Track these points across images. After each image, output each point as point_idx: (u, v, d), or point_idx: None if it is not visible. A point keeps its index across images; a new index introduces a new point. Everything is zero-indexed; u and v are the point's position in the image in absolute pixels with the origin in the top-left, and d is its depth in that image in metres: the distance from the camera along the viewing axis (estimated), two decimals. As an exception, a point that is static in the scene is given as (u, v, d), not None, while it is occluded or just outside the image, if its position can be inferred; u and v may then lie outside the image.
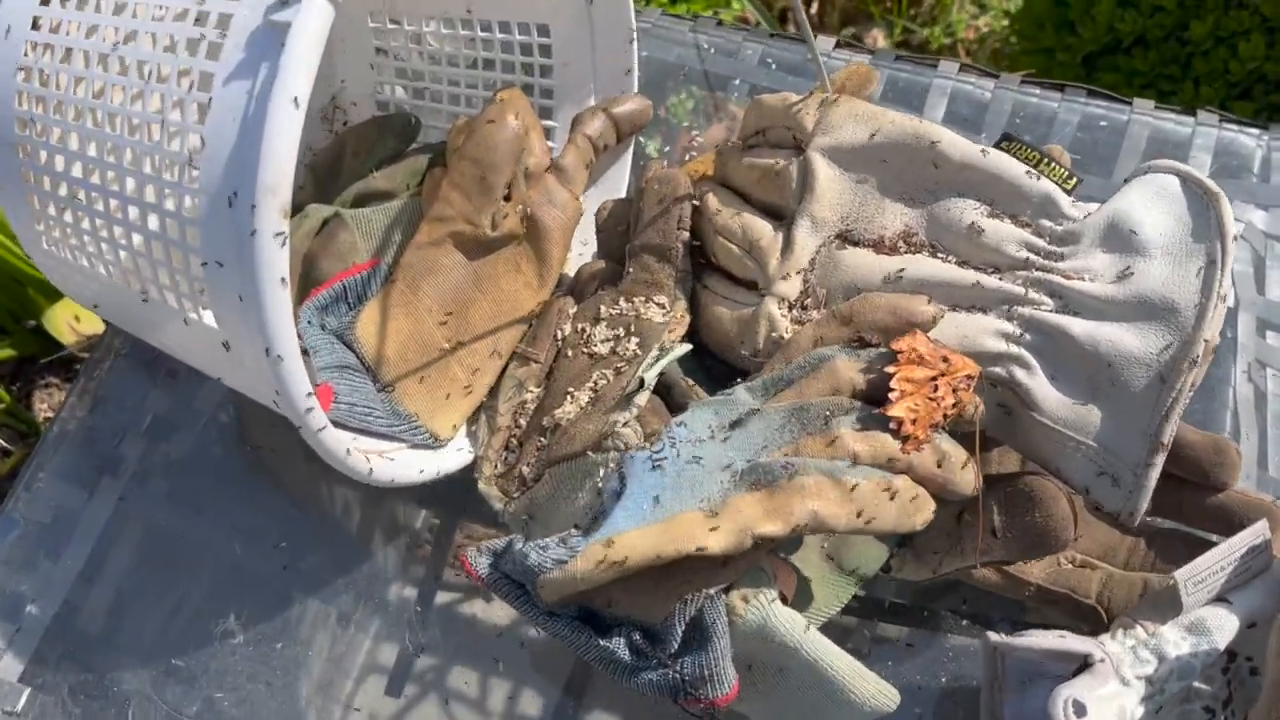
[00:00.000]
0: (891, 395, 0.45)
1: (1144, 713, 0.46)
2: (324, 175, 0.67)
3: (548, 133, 0.67)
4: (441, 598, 0.61)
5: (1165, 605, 0.48)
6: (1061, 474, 0.50)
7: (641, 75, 0.65)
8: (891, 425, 0.45)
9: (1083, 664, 0.47)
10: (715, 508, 0.45)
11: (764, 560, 0.47)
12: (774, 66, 0.75)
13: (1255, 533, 0.47)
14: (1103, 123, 0.71)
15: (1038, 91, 0.73)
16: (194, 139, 0.43)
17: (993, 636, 0.50)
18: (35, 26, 0.48)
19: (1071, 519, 0.49)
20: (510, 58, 0.66)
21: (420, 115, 0.68)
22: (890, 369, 0.46)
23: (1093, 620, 0.54)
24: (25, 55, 0.48)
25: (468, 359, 0.59)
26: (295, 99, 0.39)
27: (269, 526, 0.63)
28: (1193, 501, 0.54)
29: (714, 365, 0.56)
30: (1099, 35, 0.91)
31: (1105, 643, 0.47)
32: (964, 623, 0.58)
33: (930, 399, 0.46)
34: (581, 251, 0.65)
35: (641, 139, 0.73)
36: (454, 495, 0.61)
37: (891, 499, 0.45)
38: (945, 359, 0.46)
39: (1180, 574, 0.46)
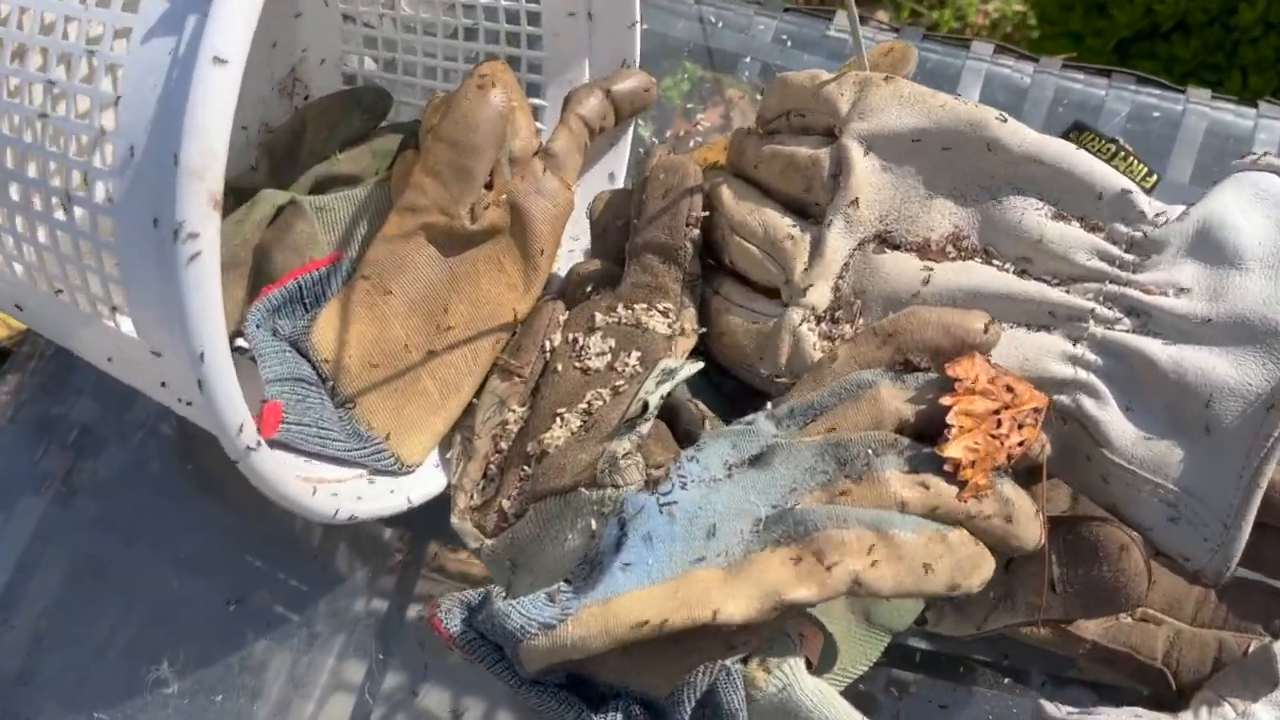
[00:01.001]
0: (949, 432, 0.38)
1: (1234, 808, 0.39)
2: (281, 156, 0.59)
3: (536, 113, 0.59)
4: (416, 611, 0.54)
5: (1258, 678, 0.41)
6: (1133, 521, 0.43)
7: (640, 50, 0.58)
8: (947, 467, 0.38)
9: (1159, 747, 0.40)
10: (735, 565, 0.37)
11: (790, 624, 0.40)
12: (789, 44, 0.67)
13: (1369, 599, 0.40)
14: (1155, 113, 0.64)
15: (1081, 77, 0.65)
16: (106, 112, 0.35)
17: (1047, 708, 0.43)
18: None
19: (1146, 574, 0.42)
20: (494, 26, 0.58)
21: (393, 90, 0.60)
22: (946, 400, 0.38)
23: (1158, 684, 0.47)
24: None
25: (441, 371, 0.51)
26: (218, 58, 0.31)
27: (213, 554, 0.55)
28: (1275, 548, 0.47)
29: (727, 384, 0.49)
30: (1135, 19, 0.84)
31: (1187, 724, 0.40)
32: (1005, 680, 0.51)
33: (993, 436, 0.38)
34: (573, 249, 0.57)
35: (640, 121, 0.65)
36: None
37: (946, 556, 0.37)
38: (1010, 389, 0.39)
39: (1279, 645, 0.39)
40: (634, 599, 0.37)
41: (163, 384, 0.39)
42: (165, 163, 0.32)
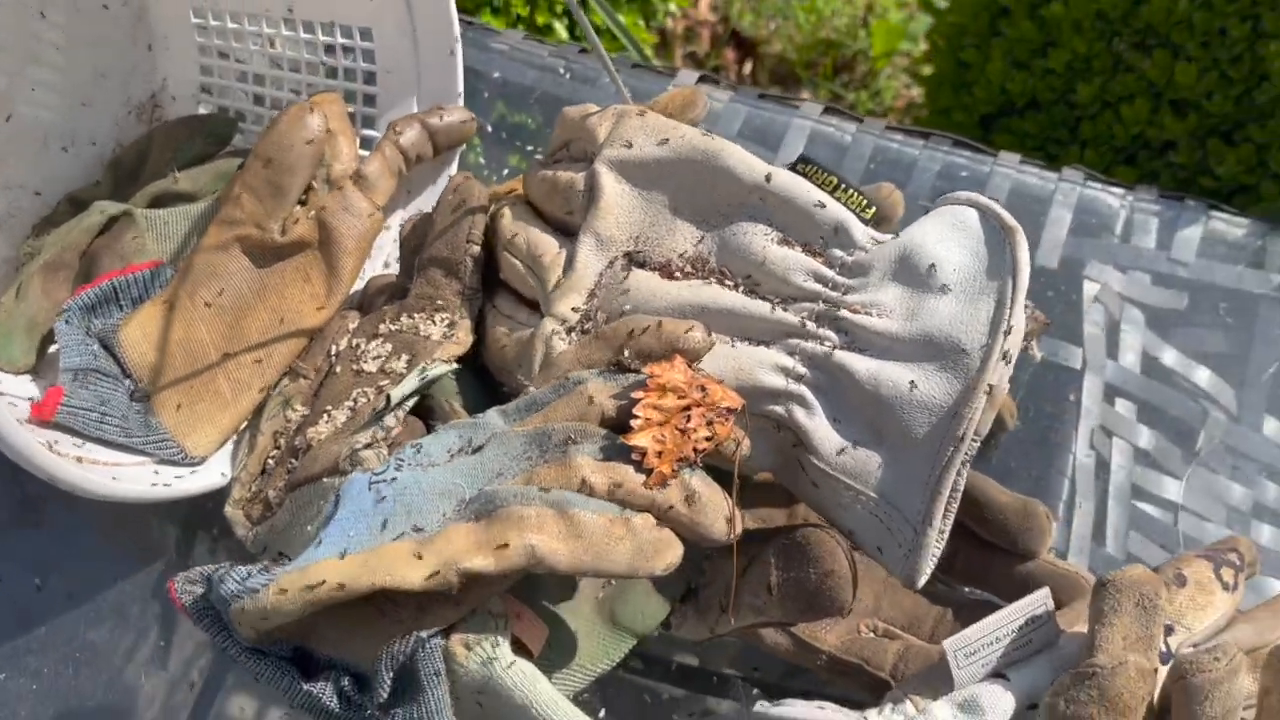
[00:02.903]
0: (635, 423, 0.41)
1: (906, 799, 0.41)
2: (125, 173, 0.62)
3: (366, 143, 0.63)
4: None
5: (937, 678, 0.43)
6: (840, 526, 0.46)
7: (494, 95, 0.62)
8: (635, 456, 0.41)
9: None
10: (427, 538, 0.40)
11: (495, 603, 0.42)
12: (631, 96, 0.71)
13: (1034, 602, 0.42)
14: (964, 173, 0.68)
15: (900, 138, 0.69)
16: None
17: (758, 708, 0.45)
18: None
19: (850, 578, 0.45)
20: (334, 62, 0.62)
21: (253, 122, 0.64)
22: (637, 393, 0.41)
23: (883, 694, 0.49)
24: None
25: (235, 372, 0.54)
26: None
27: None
28: (1001, 570, 0.50)
29: (507, 393, 0.52)
30: (993, 96, 0.89)
31: (870, 716, 0.42)
32: (755, 691, 0.52)
33: (680, 430, 0.41)
34: (385, 272, 0.61)
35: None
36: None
37: (627, 538, 0.40)
38: (703, 388, 0.42)
39: (948, 643, 0.41)
40: (327, 566, 0.39)
41: None
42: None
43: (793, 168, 0.47)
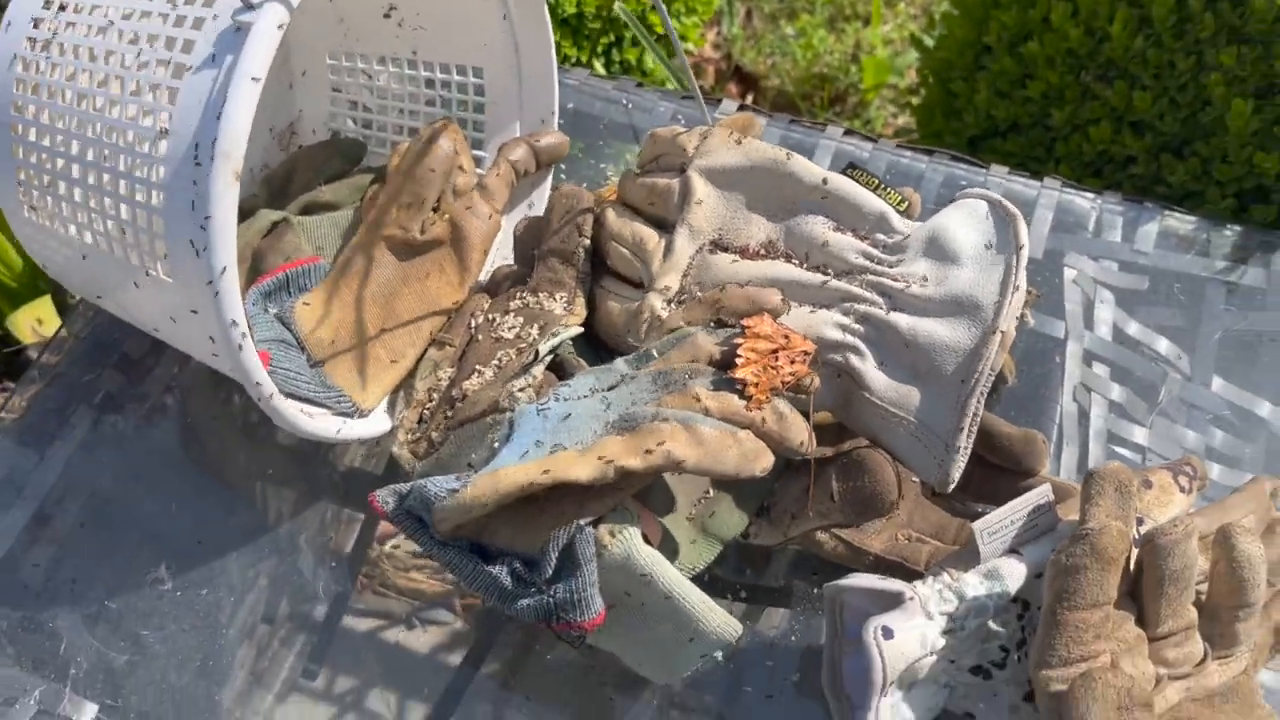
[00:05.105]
0: (738, 361, 0.54)
1: (944, 644, 0.54)
2: (276, 188, 0.75)
3: (477, 161, 0.76)
4: (372, 622, 0.67)
5: (967, 555, 0.56)
6: (889, 447, 0.59)
7: (568, 123, 0.75)
8: (737, 386, 0.54)
9: (897, 604, 0.55)
10: (587, 447, 0.53)
11: (630, 503, 0.55)
12: (683, 121, 0.85)
13: (1040, 494, 0.55)
14: (962, 182, 0.82)
15: (909, 154, 0.84)
16: (166, 118, 0.52)
17: (831, 584, 0.58)
18: (35, 26, 0.57)
19: (895, 484, 0.58)
20: (448, 95, 0.76)
21: (369, 143, 0.78)
22: (737, 340, 0.55)
23: (920, 585, 0.62)
24: (23, 47, 0.57)
25: (391, 343, 0.67)
26: (254, 78, 0.48)
27: (200, 497, 0.69)
28: (1007, 486, 0.63)
29: (608, 356, 0.65)
30: (979, 121, 1.03)
31: (917, 586, 0.55)
32: (814, 590, 0.65)
33: (771, 368, 0.54)
34: (500, 264, 0.74)
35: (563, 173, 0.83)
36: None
37: (735, 446, 0.53)
38: (786, 336, 0.55)
39: (977, 525, 0.55)
40: (512, 469, 0.52)
41: (211, 339, 0.54)
42: (205, 149, 0.49)
43: (843, 172, 0.61)
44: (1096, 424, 0.73)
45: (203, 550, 0.67)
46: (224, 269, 0.50)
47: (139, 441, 0.72)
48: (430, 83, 0.76)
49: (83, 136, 0.55)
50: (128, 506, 0.69)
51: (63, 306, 1.02)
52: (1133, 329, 0.76)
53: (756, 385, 0.54)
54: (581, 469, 0.51)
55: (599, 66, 1.14)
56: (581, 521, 0.53)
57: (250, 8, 0.49)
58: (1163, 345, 0.76)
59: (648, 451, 0.52)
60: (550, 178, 0.76)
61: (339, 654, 0.65)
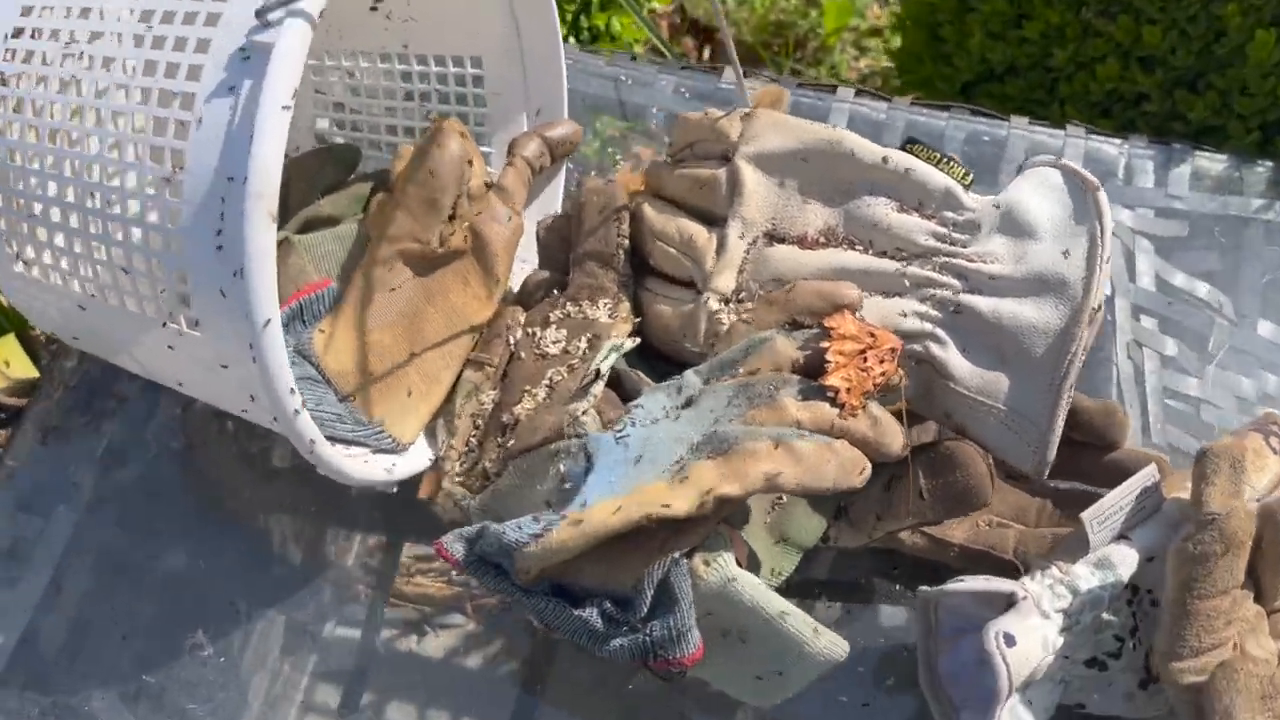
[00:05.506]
0: (828, 367, 0.50)
1: (1062, 642, 0.52)
2: (269, 204, 0.69)
3: (484, 158, 0.71)
4: (385, 633, 0.63)
5: (1076, 546, 0.53)
6: (977, 437, 0.56)
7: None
8: (829, 394, 0.50)
9: (1007, 605, 0.52)
10: (677, 475, 0.49)
11: (720, 526, 0.51)
12: (687, 95, 0.81)
13: (1147, 475, 0.53)
14: (985, 138, 0.79)
15: (926, 111, 0.80)
16: (177, 155, 0.46)
17: (926, 589, 0.55)
18: (9, 54, 0.50)
19: (989, 477, 0.55)
20: (445, 89, 0.70)
21: (362, 147, 0.72)
22: (824, 344, 0.51)
23: (1011, 574, 0.59)
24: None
25: (423, 367, 0.62)
26: (284, 106, 0.42)
27: (219, 550, 0.64)
28: (1090, 461, 0.61)
29: (656, 361, 0.61)
30: (974, 65, 1.00)
31: (1026, 583, 0.53)
32: (897, 587, 0.63)
33: (861, 370, 0.51)
34: (522, 267, 0.69)
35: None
36: (392, 526, 0.65)
37: (833, 459, 0.49)
38: (871, 334, 0.52)
39: (1086, 514, 0.52)
40: (602, 507, 0.48)
41: (251, 398, 0.49)
42: (233, 189, 0.43)
43: (903, 147, 0.57)
44: (1151, 381, 0.71)
45: (236, 610, 0.63)
46: (267, 321, 0.45)
47: (148, 493, 0.66)
48: (424, 77, 0.70)
49: (81, 181, 0.49)
50: (146, 566, 0.64)
51: (27, 340, 0.95)
52: (1176, 279, 0.74)
53: (849, 391, 0.50)
54: (679, 502, 0.48)
55: (570, 39, 1.08)
56: (676, 554, 0.49)
57: (267, 25, 0.44)
58: (1206, 292, 0.74)
59: (745, 476, 0.48)
60: (563, 172, 0.71)
61: (353, 670, 0.62)
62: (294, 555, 0.64)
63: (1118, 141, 0.78)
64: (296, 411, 0.47)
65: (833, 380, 0.50)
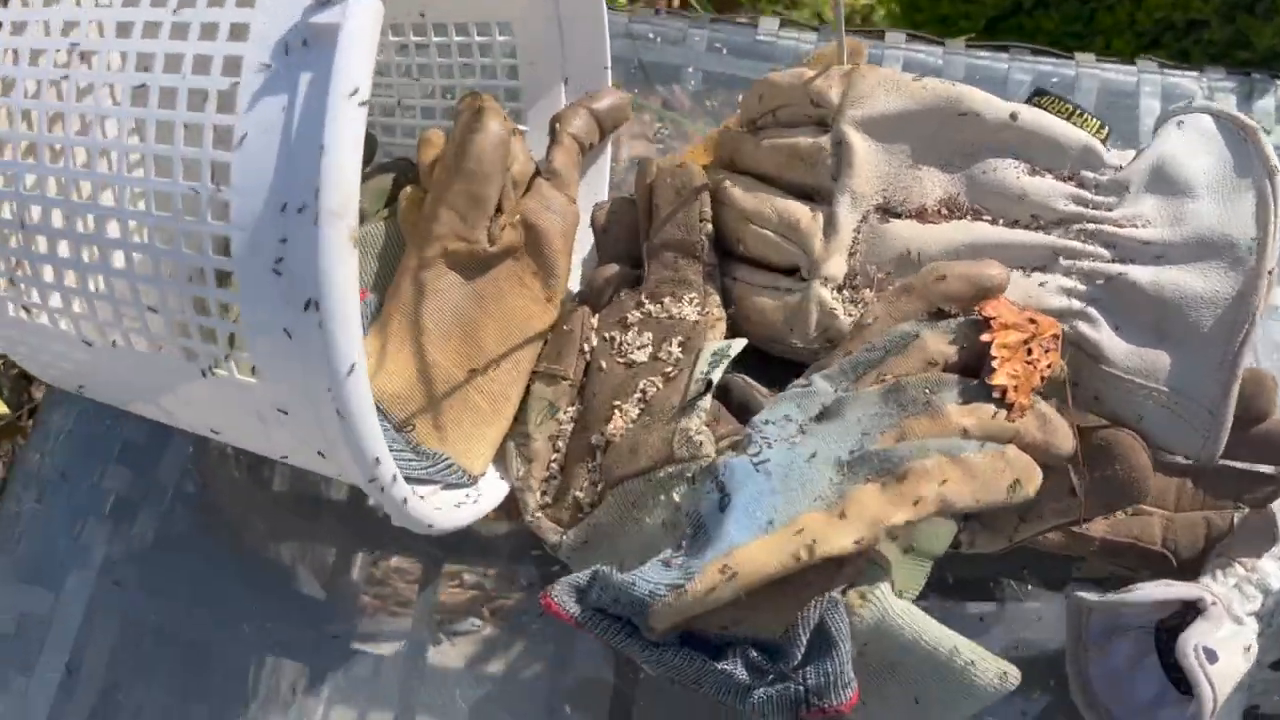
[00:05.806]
0: (993, 363, 0.44)
1: (1258, 649, 0.46)
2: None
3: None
4: (433, 658, 0.57)
5: (1259, 538, 0.48)
6: (1133, 424, 0.50)
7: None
8: (995, 395, 0.44)
9: (1182, 610, 0.47)
10: (834, 505, 0.42)
11: (874, 552, 0.45)
12: (724, 51, 0.73)
13: (1335, 454, 0.47)
14: (1054, 79, 0.72)
15: (985, 54, 0.73)
16: (220, 170, 0.37)
17: (1088, 596, 0.49)
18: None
19: (1150, 469, 0.49)
20: (470, 61, 0.61)
21: (374, 132, 0.63)
22: (985, 336, 0.44)
23: (1161, 566, 0.54)
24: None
25: (487, 386, 0.54)
26: (363, 101, 0.34)
27: (246, 604, 0.57)
28: (1236, 435, 0.55)
29: (757, 362, 0.54)
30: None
31: (1209, 585, 0.47)
32: (1029, 587, 0.57)
33: (1027, 363, 0.44)
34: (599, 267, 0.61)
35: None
36: (432, 549, 0.58)
37: (1008, 470, 0.43)
38: (1033, 320, 0.45)
39: (1278, 506, 0.46)
40: (754, 548, 0.41)
41: (319, 454, 0.41)
42: (305, 208, 0.35)
43: (1030, 100, 0.50)
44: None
45: (275, 676, 0.55)
46: (351, 368, 0.37)
47: (167, 548, 0.58)
48: (444, 49, 0.61)
49: (96, 208, 0.40)
50: (172, 633, 0.56)
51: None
52: (1275, 220, 0.68)
53: (1017, 389, 0.44)
54: (842, 538, 0.41)
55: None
56: (835, 593, 0.43)
57: (326, 4, 0.35)
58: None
59: (917, 500, 0.41)
60: (609, 149, 0.63)
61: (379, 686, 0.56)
62: (333, 610, 0.57)
63: (1194, 74, 0.72)
64: (394, 478, 0.39)
65: (999, 378, 0.43)
